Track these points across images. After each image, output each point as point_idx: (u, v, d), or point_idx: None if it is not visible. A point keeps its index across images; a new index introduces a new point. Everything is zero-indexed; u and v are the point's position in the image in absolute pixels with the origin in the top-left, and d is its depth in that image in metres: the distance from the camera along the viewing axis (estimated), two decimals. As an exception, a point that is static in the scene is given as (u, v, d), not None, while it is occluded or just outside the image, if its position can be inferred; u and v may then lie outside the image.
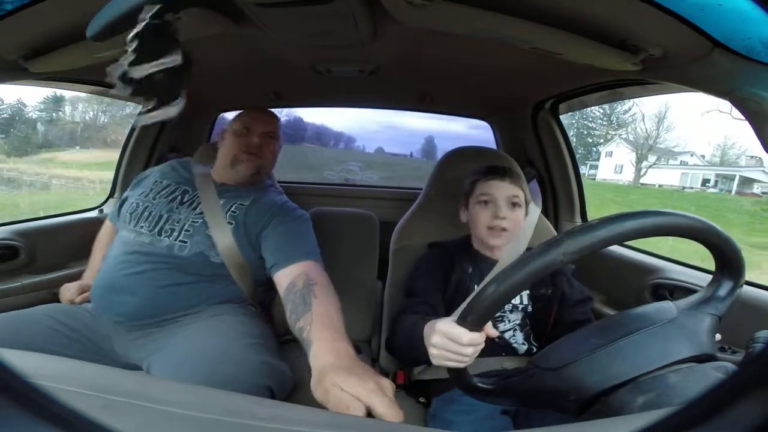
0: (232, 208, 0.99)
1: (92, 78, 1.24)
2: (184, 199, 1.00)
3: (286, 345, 1.19)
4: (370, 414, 0.48)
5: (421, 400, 0.93)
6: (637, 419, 0.33)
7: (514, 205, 0.92)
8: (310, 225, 1.04)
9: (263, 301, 1.09)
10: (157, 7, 0.49)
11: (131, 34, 0.48)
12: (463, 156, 1.20)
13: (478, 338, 0.52)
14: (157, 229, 0.94)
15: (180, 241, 0.93)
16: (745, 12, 0.51)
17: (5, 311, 0.86)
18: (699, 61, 0.65)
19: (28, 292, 1.15)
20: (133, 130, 1.55)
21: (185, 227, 0.95)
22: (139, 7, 0.50)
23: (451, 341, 0.53)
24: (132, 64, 0.49)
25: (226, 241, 0.94)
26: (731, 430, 0.20)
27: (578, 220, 1.42)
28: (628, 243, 1.18)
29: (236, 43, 0.98)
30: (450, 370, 0.57)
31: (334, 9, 0.73)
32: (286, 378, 0.86)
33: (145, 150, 1.57)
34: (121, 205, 1.09)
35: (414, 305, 0.87)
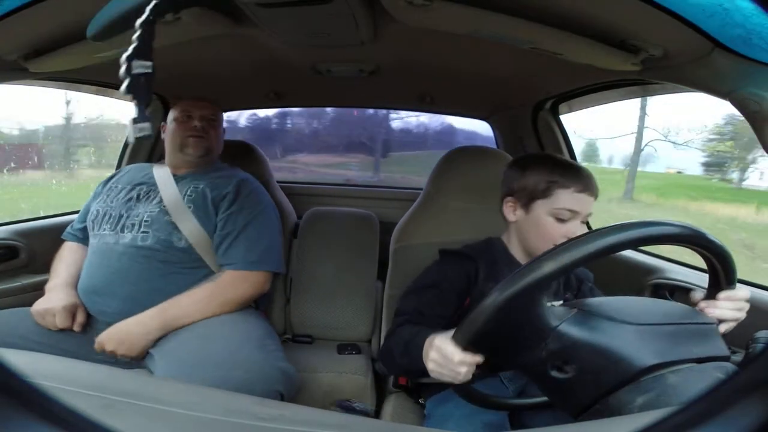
0: (188, 192, 1.01)
1: (93, 78, 1.24)
2: (140, 196, 1.02)
3: (285, 344, 1.19)
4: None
5: (421, 401, 0.93)
6: (637, 419, 0.33)
7: (584, 224, 0.81)
8: (272, 217, 1.07)
9: (257, 299, 1.08)
10: (158, 6, 0.49)
11: (135, 30, 0.46)
12: (464, 155, 1.19)
13: (469, 358, 0.52)
14: (118, 227, 0.95)
15: (141, 232, 0.94)
16: (745, 12, 0.51)
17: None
18: (699, 61, 0.65)
19: (28, 292, 1.15)
20: (133, 129, 1.55)
21: (143, 219, 0.96)
22: (140, 6, 0.50)
23: (445, 358, 0.54)
24: (130, 59, 0.46)
25: (189, 225, 0.95)
26: (731, 430, 0.20)
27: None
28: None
29: (236, 43, 0.98)
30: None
31: (334, 9, 0.73)
32: (295, 381, 0.86)
33: (145, 149, 1.56)
34: (83, 221, 1.08)
35: (414, 319, 0.80)
